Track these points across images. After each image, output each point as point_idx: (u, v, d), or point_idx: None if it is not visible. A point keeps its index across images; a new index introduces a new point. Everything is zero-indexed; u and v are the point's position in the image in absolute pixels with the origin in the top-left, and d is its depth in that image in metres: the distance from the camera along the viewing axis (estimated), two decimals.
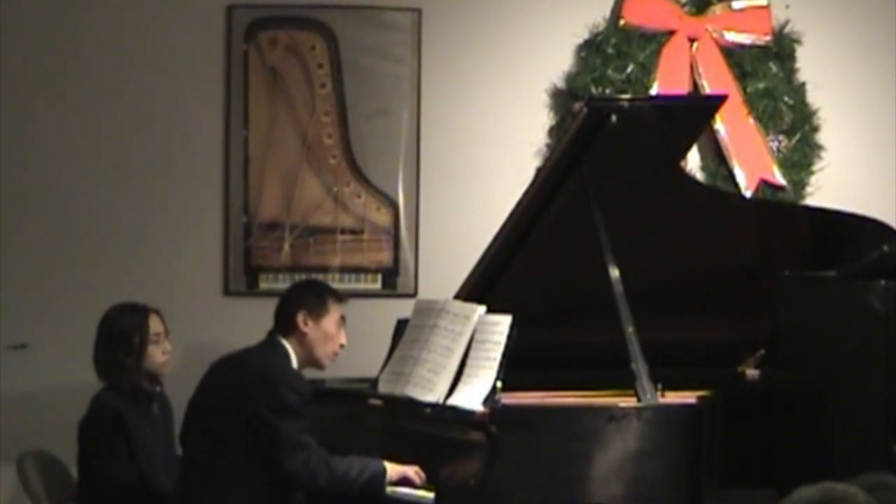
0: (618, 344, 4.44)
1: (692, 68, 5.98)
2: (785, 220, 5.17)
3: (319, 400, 4.84)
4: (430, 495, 4.28)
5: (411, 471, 4.34)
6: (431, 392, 4.47)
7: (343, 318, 4.56)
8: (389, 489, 4.34)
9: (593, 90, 5.83)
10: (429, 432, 4.42)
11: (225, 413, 4.34)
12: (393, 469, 4.33)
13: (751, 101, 5.96)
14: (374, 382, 4.74)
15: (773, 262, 4.84)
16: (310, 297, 4.53)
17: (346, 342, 4.56)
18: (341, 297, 4.61)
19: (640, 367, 4.42)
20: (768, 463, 4.58)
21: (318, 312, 4.49)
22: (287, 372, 4.40)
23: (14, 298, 5.62)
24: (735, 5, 6.02)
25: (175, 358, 4.85)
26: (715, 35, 5.99)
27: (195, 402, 4.49)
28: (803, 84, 6.05)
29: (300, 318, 4.47)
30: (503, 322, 4.45)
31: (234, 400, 4.33)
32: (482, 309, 4.55)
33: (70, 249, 5.70)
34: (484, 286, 4.80)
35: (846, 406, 4.43)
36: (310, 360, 4.50)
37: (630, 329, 4.47)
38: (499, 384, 4.36)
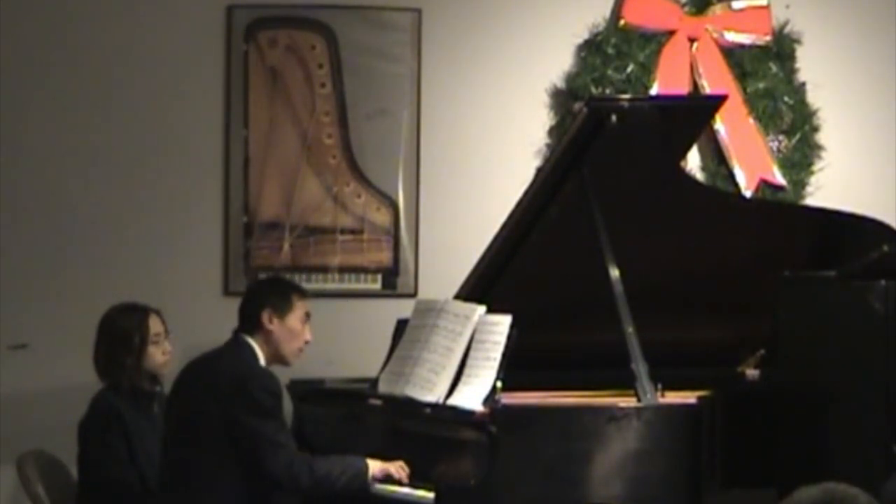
0: (618, 344, 4.44)
1: (692, 68, 5.98)
2: (785, 220, 5.17)
3: (319, 400, 4.86)
4: (430, 495, 4.28)
5: (394, 467, 4.35)
6: (431, 392, 4.47)
7: (308, 314, 4.56)
8: (390, 488, 4.35)
9: (593, 90, 5.83)
10: (429, 432, 4.42)
11: (200, 417, 4.33)
12: (375, 466, 4.34)
13: (751, 101, 5.96)
14: (374, 382, 4.74)
15: (773, 262, 4.83)
16: (274, 294, 4.53)
17: (312, 338, 4.56)
18: (305, 293, 4.61)
19: (640, 367, 4.42)
20: (768, 463, 4.58)
21: (282, 310, 4.49)
22: (258, 372, 4.40)
23: (14, 298, 5.62)
24: (735, 5, 6.02)
25: (175, 358, 4.85)
26: (715, 35, 5.99)
27: (169, 408, 4.50)
28: (803, 84, 6.05)
29: (265, 316, 4.47)
30: (503, 322, 4.45)
31: (207, 403, 4.32)
32: (482, 309, 4.55)
33: (70, 249, 5.69)
34: (484, 286, 4.80)
35: (846, 406, 4.43)
36: (276, 357, 4.50)
37: (630, 329, 4.47)
38: (499, 384, 4.36)
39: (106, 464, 4.64)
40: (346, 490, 4.32)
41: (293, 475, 4.27)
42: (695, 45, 5.99)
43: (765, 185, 5.98)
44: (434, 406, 4.44)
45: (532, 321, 4.42)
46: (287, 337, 4.49)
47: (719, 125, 5.92)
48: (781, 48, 6.03)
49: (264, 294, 4.55)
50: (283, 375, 4.62)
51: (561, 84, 5.93)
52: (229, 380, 4.33)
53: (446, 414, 4.39)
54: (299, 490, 4.32)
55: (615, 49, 5.89)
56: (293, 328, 4.51)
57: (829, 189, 6.01)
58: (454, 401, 4.42)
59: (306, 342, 4.55)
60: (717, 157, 6.01)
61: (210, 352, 4.51)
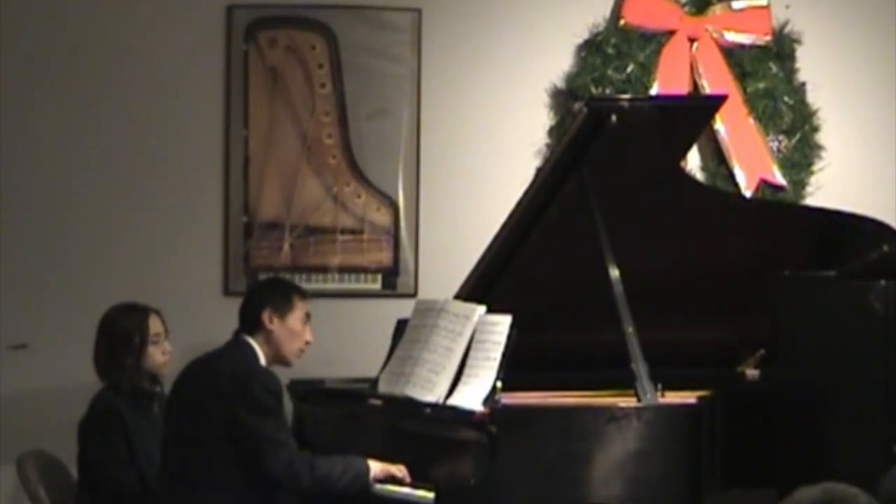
0: (618, 344, 4.44)
1: (692, 68, 5.98)
2: (785, 220, 5.17)
3: (319, 400, 4.86)
4: (430, 495, 4.28)
5: (395, 469, 4.35)
6: (431, 392, 4.47)
7: (308, 315, 4.56)
8: (390, 488, 4.35)
9: (593, 90, 5.83)
10: (429, 432, 4.42)
11: (200, 417, 4.33)
12: (376, 467, 4.34)
13: (751, 101, 5.96)
14: (374, 382, 4.74)
15: (773, 262, 4.83)
16: (274, 294, 4.54)
17: (312, 339, 4.56)
18: (305, 293, 4.62)
19: (640, 367, 4.42)
20: (768, 463, 4.58)
21: (283, 310, 4.50)
22: (258, 371, 4.40)
23: (14, 298, 5.62)
24: (735, 5, 6.02)
25: (175, 358, 4.85)
26: (715, 35, 5.99)
27: (170, 408, 4.50)
28: (803, 84, 6.05)
29: (266, 315, 4.47)
30: (503, 322, 4.45)
31: (207, 403, 4.32)
32: (482, 309, 4.55)
33: (70, 249, 5.69)
34: (484, 286, 4.80)
35: (846, 406, 4.43)
36: (277, 357, 4.51)
37: (630, 329, 4.47)
38: (499, 384, 4.36)
39: (106, 464, 4.64)
40: (347, 490, 4.32)
41: (294, 474, 4.27)
42: (695, 45, 5.99)
43: (765, 185, 5.98)
44: (434, 406, 4.43)
45: (532, 321, 4.42)
46: (287, 337, 4.50)
47: (719, 125, 5.92)
48: (781, 48, 6.03)
49: (265, 294, 4.56)
50: (283, 375, 4.62)
51: (561, 84, 5.93)
52: (230, 379, 4.33)
53: (446, 414, 4.39)
54: (300, 490, 4.32)
55: (615, 49, 5.89)
56: (293, 328, 4.51)
57: (829, 189, 6.01)
58: (454, 401, 4.42)
59: (307, 343, 4.56)
60: (717, 157, 6.01)
61: (210, 352, 4.51)
